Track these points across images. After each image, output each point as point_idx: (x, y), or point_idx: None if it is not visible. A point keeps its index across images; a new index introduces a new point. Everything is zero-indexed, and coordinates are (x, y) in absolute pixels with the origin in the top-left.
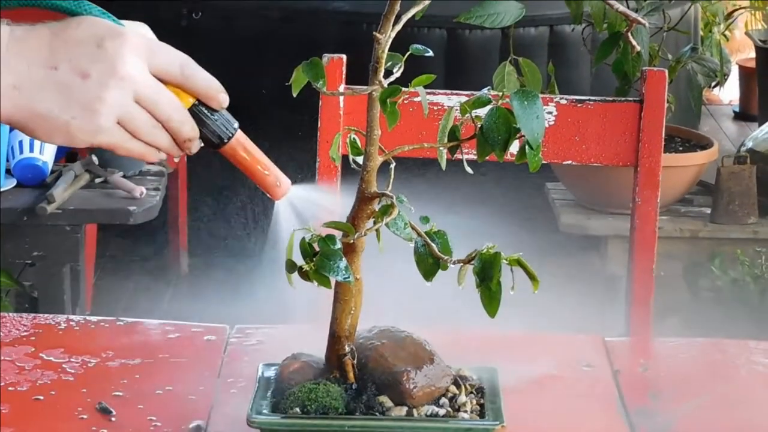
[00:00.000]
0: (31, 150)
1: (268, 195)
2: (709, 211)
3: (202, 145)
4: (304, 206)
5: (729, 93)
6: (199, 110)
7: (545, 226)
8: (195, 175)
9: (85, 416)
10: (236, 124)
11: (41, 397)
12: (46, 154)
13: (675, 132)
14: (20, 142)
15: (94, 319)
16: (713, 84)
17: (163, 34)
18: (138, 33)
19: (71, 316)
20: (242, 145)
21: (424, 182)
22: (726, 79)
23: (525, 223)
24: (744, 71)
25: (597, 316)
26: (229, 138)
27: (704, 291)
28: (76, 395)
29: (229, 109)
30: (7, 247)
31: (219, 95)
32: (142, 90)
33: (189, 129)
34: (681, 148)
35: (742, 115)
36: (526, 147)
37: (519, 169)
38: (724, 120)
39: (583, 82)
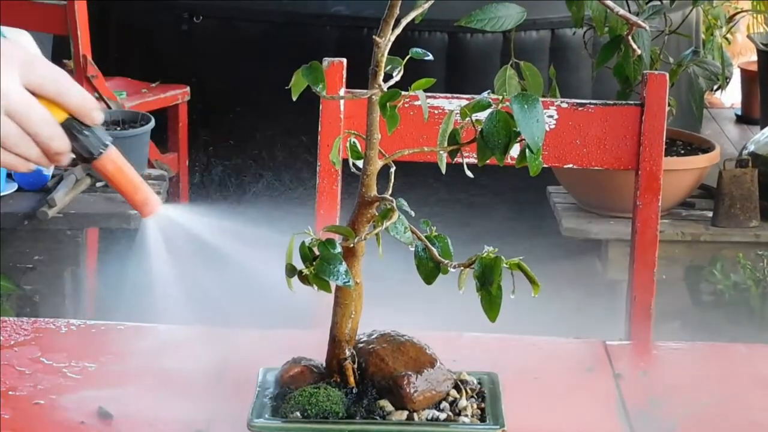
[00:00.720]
0: None
1: (135, 209)
2: (710, 214)
3: (74, 157)
4: (169, 228)
5: (731, 96)
6: (71, 125)
7: (547, 229)
8: (196, 179)
9: (85, 420)
10: (108, 141)
11: (41, 402)
12: None
13: (676, 135)
14: None
15: (94, 323)
16: (715, 87)
17: (164, 37)
18: (16, 44)
19: (72, 320)
20: (113, 162)
21: (424, 186)
22: (728, 83)
23: (526, 226)
24: (746, 74)
25: (598, 320)
26: (100, 154)
27: (705, 295)
28: (76, 399)
29: (230, 111)
30: (8, 252)
31: (92, 112)
32: (12, 104)
33: (58, 144)
34: (683, 152)
35: (744, 119)
36: (527, 151)
37: (520, 172)
38: (725, 123)
39: (584, 86)
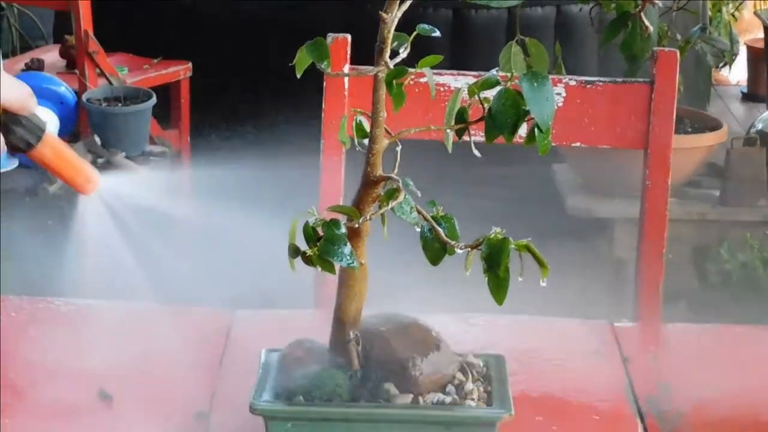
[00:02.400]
0: None
1: (75, 190)
2: (717, 193)
3: (6, 151)
4: (115, 200)
5: (737, 73)
6: (5, 119)
7: (551, 208)
8: (198, 155)
9: (84, 401)
10: (45, 125)
11: (40, 382)
12: None
13: (683, 113)
14: None
15: (95, 302)
16: (721, 65)
17: (166, 13)
18: None
19: (73, 299)
20: (51, 147)
21: (428, 164)
22: (734, 60)
23: (530, 205)
24: (752, 51)
25: (605, 301)
26: (39, 140)
27: (712, 275)
28: (76, 380)
29: (232, 86)
30: (8, 228)
31: (27, 102)
32: None
33: None
34: (689, 130)
35: (749, 96)
36: (536, 130)
37: (525, 149)
38: (731, 101)
39: (589, 63)
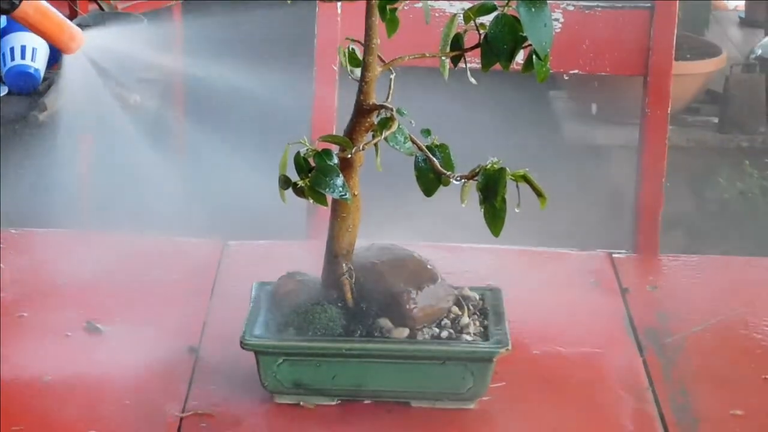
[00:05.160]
0: (23, 57)
1: (60, 49)
2: (716, 120)
3: None
4: (101, 57)
5: None
6: None
7: (547, 135)
8: (193, 82)
9: (72, 334)
10: None
11: (26, 314)
12: (38, 62)
13: (681, 39)
14: (11, 49)
15: (87, 231)
16: None
17: None
18: None
19: (62, 230)
20: (34, 5)
21: (422, 91)
22: None
23: (526, 132)
24: None
25: (603, 231)
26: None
27: (711, 203)
28: (64, 312)
29: (223, 13)
30: None
31: None
32: None
33: None
34: (688, 56)
35: (748, 22)
36: (534, 57)
37: (521, 76)
38: (729, 26)
39: None
